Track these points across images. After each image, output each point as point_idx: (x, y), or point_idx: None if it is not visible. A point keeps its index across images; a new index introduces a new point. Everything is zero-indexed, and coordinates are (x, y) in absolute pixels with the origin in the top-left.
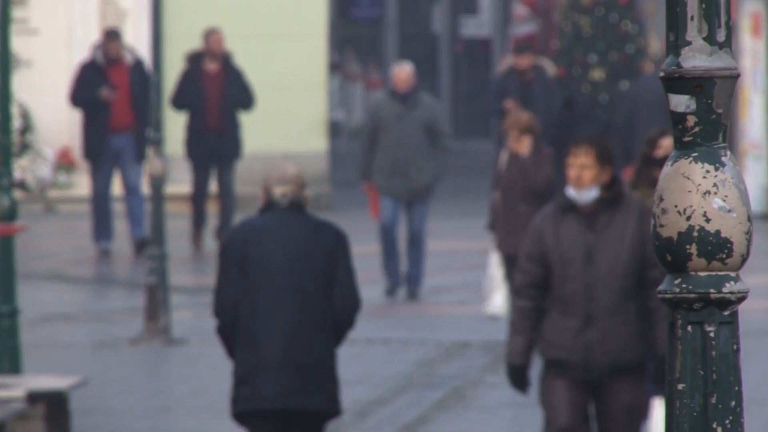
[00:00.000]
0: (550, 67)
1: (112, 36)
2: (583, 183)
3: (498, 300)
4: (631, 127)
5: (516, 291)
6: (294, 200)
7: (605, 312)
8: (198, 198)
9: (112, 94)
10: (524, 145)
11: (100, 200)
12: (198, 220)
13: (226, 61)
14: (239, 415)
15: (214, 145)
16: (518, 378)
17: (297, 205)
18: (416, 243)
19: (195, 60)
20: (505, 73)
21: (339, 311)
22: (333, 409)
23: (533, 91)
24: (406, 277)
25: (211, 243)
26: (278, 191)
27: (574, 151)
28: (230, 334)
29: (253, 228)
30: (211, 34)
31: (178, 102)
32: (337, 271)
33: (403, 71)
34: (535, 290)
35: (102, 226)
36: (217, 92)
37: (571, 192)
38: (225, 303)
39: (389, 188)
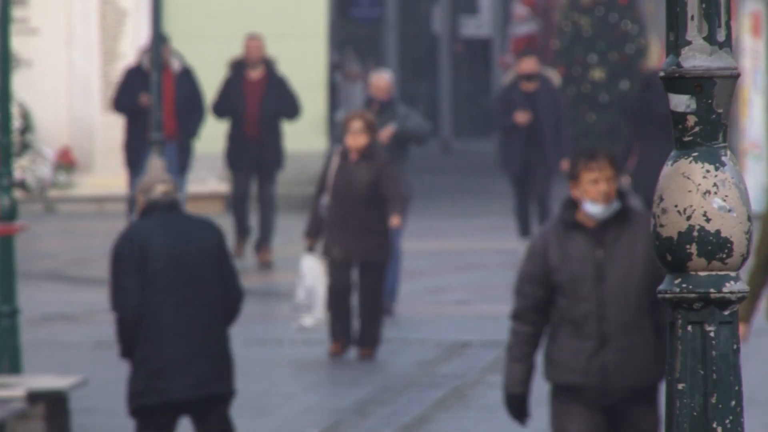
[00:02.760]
0: (556, 78)
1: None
2: (611, 196)
3: (318, 310)
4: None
5: (515, 316)
6: (173, 199)
7: (620, 331)
8: (239, 208)
9: (151, 100)
10: (361, 141)
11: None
12: (240, 230)
13: (269, 68)
14: (148, 407)
15: (254, 154)
16: (518, 408)
17: (176, 204)
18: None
19: (237, 67)
20: (509, 86)
21: (231, 302)
22: (234, 391)
23: (539, 102)
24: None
25: (251, 258)
26: (160, 189)
27: (597, 165)
28: (133, 333)
29: (146, 231)
30: (249, 41)
31: (219, 109)
32: (223, 264)
33: (382, 79)
34: (537, 314)
35: None
36: (257, 100)
37: (594, 208)
38: (128, 303)
39: None
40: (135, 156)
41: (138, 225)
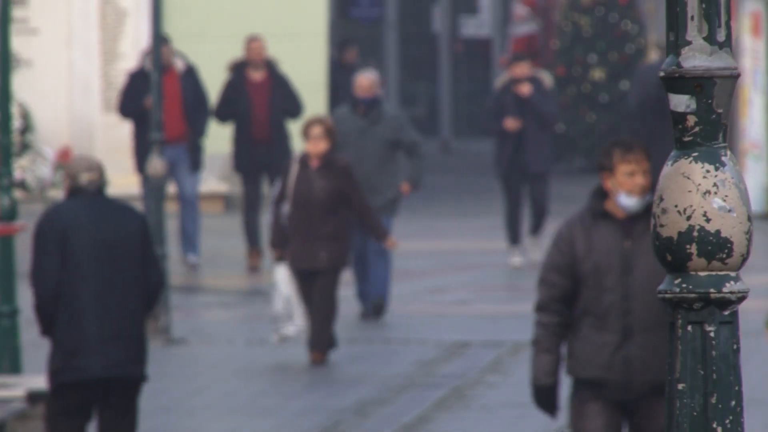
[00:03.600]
0: (547, 80)
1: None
2: (647, 190)
3: (298, 320)
4: (643, 112)
5: (541, 306)
6: (99, 186)
7: (644, 325)
8: (251, 218)
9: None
10: (321, 147)
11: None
12: (252, 236)
13: (271, 69)
14: (64, 385)
15: (264, 156)
16: (547, 400)
17: (100, 190)
18: (381, 258)
19: (238, 69)
20: (501, 90)
21: (151, 287)
22: (145, 374)
23: (530, 106)
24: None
25: (266, 261)
26: (85, 177)
27: (634, 157)
28: (52, 311)
29: (69, 212)
30: (251, 42)
31: (222, 114)
32: (146, 251)
33: (364, 78)
34: (562, 305)
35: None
36: (263, 101)
37: (629, 200)
38: (48, 282)
39: None
40: (145, 160)
41: (61, 206)
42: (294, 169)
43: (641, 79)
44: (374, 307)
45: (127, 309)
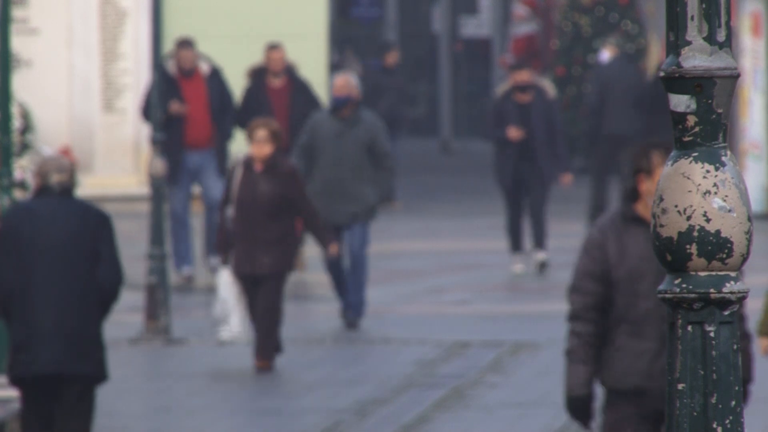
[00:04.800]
0: (551, 89)
1: (184, 45)
2: None
3: (235, 324)
4: (603, 109)
5: (575, 315)
6: (66, 187)
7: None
8: None
9: (182, 108)
10: (265, 150)
11: (179, 222)
12: None
13: (290, 74)
14: (16, 379)
15: None
16: (582, 411)
17: (68, 191)
18: (356, 267)
19: (258, 75)
20: (503, 97)
21: (104, 285)
22: (100, 374)
23: (533, 115)
24: (346, 305)
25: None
26: (55, 178)
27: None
28: (7, 307)
29: (27, 211)
30: (271, 52)
31: (243, 121)
32: (101, 249)
33: (340, 77)
34: (597, 313)
35: (182, 251)
36: (284, 108)
37: None
38: (1, 280)
39: (328, 214)
40: (169, 167)
41: (20, 205)
42: (238, 173)
43: (599, 78)
44: (349, 323)
45: (75, 307)
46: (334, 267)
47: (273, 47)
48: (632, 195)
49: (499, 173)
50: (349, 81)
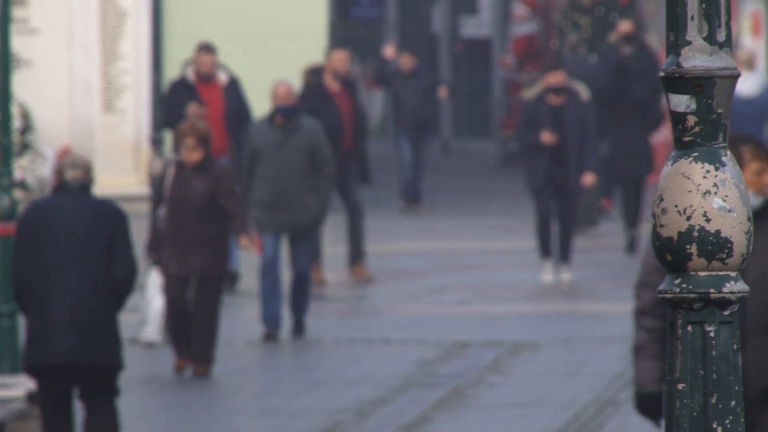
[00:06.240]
0: (584, 92)
1: (204, 49)
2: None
3: (154, 326)
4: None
5: (644, 311)
6: (83, 183)
7: (758, 330)
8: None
9: (200, 109)
10: (195, 156)
11: None
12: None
13: (345, 78)
14: (32, 369)
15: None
16: (653, 408)
17: (84, 188)
18: (299, 283)
19: (317, 76)
20: (535, 99)
21: (118, 279)
22: (115, 364)
23: (566, 117)
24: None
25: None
26: (70, 174)
27: (764, 154)
28: (24, 298)
29: (44, 207)
30: (335, 53)
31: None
32: (116, 244)
33: (282, 86)
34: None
35: (231, 254)
36: (349, 112)
37: (755, 200)
38: (18, 270)
39: (269, 223)
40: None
41: (40, 201)
42: (170, 172)
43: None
44: (266, 335)
45: (94, 300)
46: (267, 276)
47: (337, 51)
48: None
49: (531, 178)
50: (291, 89)
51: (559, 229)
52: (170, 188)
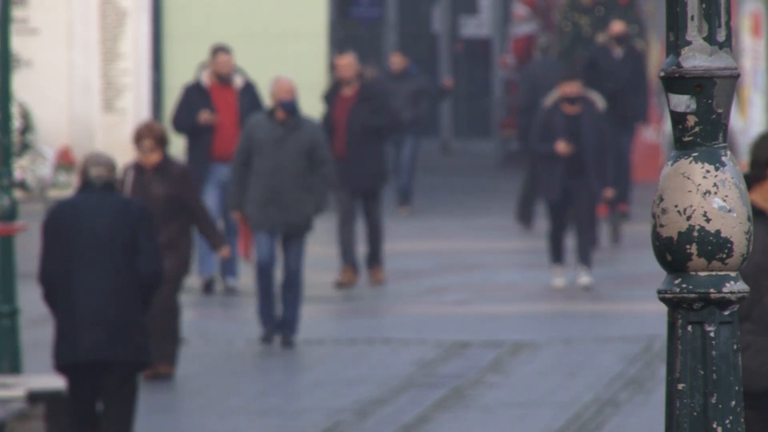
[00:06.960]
0: (600, 101)
1: (221, 50)
2: None
3: None
4: (533, 107)
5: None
6: (107, 181)
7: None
8: (345, 227)
9: (211, 117)
10: (153, 159)
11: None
12: (348, 253)
13: (362, 83)
14: (61, 367)
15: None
16: None
17: (109, 185)
18: (291, 284)
19: (335, 86)
20: (551, 108)
21: (143, 275)
22: (143, 359)
23: (582, 127)
24: (280, 322)
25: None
26: (94, 172)
27: None
28: (51, 296)
29: (70, 205)
30: (342, 59)
31: (329, 127)
32: (140, 241)
33: (285, 81)
34: None
35: (207, 259)
36: (351, 116)
37: None
38: (46, 272)
39: (264, 221)
40: (199, 175)
41: (66, 200)
42: (130, 176)
43: (528, 77)
44: (283, 341)
45: (120, 296)
46: (263, 277)
47: (343, 56)
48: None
49: (546, 189)
50: (292, 84)
51: (577, 236)
52: (130, 192)
